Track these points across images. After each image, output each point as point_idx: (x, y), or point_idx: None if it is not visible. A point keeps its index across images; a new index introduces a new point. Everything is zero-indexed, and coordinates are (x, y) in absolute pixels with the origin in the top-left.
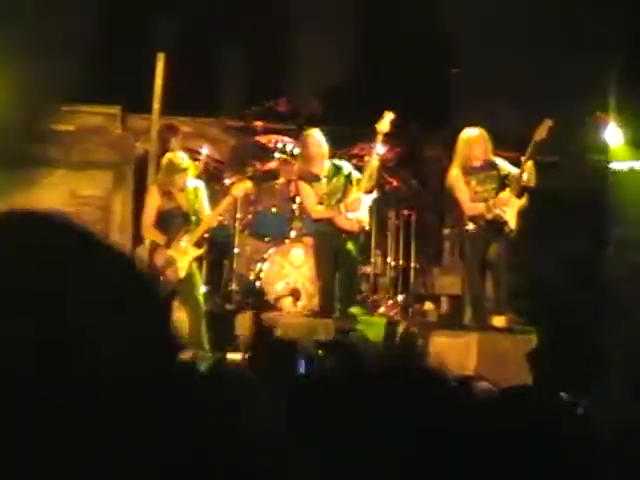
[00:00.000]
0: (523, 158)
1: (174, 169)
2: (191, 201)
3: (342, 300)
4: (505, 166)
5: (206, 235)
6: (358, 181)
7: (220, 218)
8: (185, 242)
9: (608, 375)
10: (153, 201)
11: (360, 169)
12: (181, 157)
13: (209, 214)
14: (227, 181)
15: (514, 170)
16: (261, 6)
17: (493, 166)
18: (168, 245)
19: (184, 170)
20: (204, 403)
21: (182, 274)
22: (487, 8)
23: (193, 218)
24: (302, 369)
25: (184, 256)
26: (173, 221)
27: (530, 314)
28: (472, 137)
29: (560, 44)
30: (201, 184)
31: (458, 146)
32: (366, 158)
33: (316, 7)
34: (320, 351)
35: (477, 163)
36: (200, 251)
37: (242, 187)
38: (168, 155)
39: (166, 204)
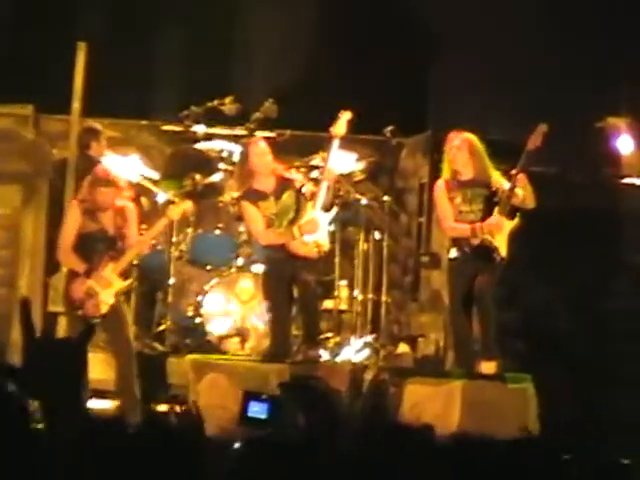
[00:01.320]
0: (514, 170)
1: (99, 184)
2: (118, 223)
3: (299, 341)
4: (499, 181)
5: (135, 262)
6: (313, 196)
7: (152, 242)
8: (109, 271)
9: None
10: (73, 220)
11: (317, 182)
12: (107, 169)
13: (139, 239)
14: (161, 197)
15: (505, 185)
16: None
17: (485, 183)
18: (89, 274)
19: (111, 186)
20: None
21: (105, 309)
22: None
23: (119, 243)
24: (264, 415)
25: (108, 288)
26: (95, 246)
27: (524, 358)
28: (456, 144)
29: (562, 36)
30: (129, 203)
31: (445, 153)
32: (325, 169)
33: None
34: (282, 393)
35: (465, 177)
36: (126, 283)
37: (181, 208)
38: (97, 167)
39: (88, 225)
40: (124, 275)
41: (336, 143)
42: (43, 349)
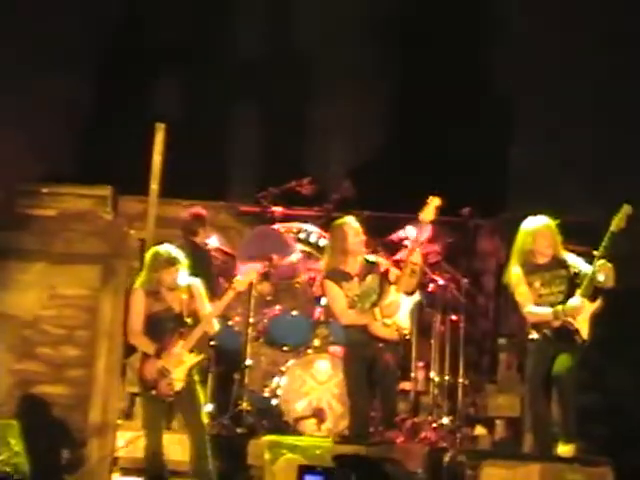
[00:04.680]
0: (597, 253)
1: (159, 265)
2: (185, 301)
3: (377, 423)
4: (576, 263)
5: (212, 342)
6: (397, 280)
7: (230, 323)
8: (179, 349)
9: None
10: (137, 303)
11: (398, 265)
12: (168, 250)
13: (206, 313)
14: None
15: (586, 268)
16: (281, 69)
17: (561, 264)
18: (160, 354)
19: (172, 266)
20: None
21: (178, 386)
22: (553, 77)
23: (188, 321)
24: None
25: (179, 366)
26: (164, 325)
27: (605, 442)
28: (537, 228)
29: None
30: (196, 281)
31: (519, 238)
32: (406, 252)
33: (349, 69)
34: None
35: (542, 260)
36: (198, 358)
37: (246, 280)
38: (153, 248)
39: (153, 306)
40: (196, 352)
41: (423, 228)
42: None
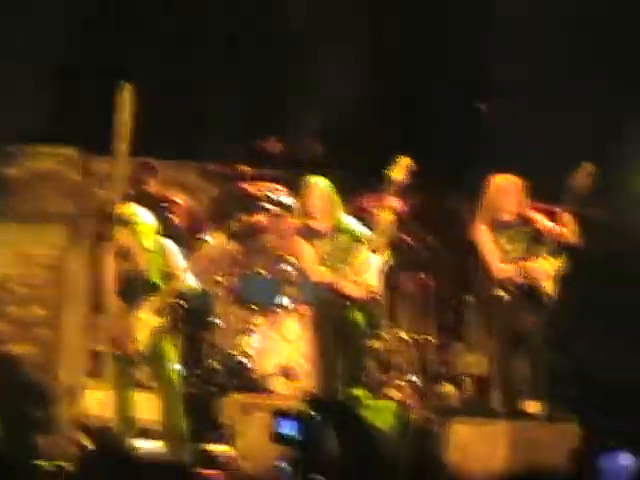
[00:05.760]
0: (559, 211)
1: (125, 224)
2: (155, 263)
3: (346, 381)
4: (541, 221)
5: (181, 302)
6: (367, 239)
7: (198, 282)
8: (145, 310)
9: None
10: (107, 262)
11: (368, 224)
12: (134, 209)
13: (174, 276)
14: (205, 236)
15: (550, 225)
16: (249, 26)
17: (527, 221)
18: (126, 314)
19: (129, 225)
20: None
21: (144, 346)
22: (523, 37)
23: (157, 282)
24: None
25: (144, 327)
26: (132, 285)
27: (572, 402)
28: (504, 186)
29: (614, 73)
30: (169, 242)
31: (486, 196)
32: (377, 211)
33: (318, 26)
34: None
35: (508, 217)
36: (162, 320)
37: (217, 243)
38: (120, 207)
39: (123, 266)
40: (163, 313)
41: (393, 188)
42: None
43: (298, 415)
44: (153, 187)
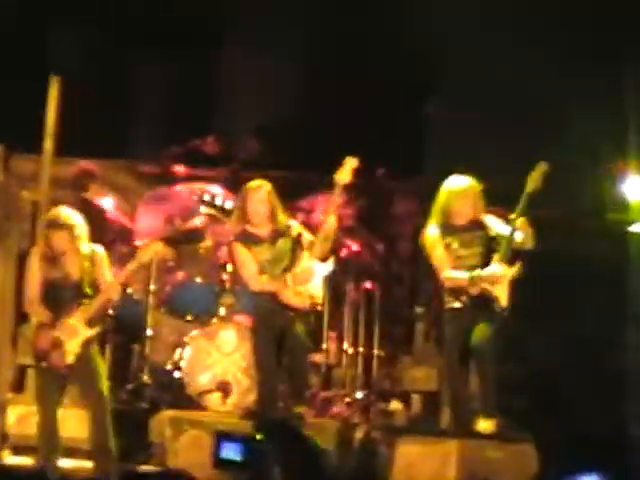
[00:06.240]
0: (513, 215)
1: (56, 228)
2: (85, 269)
3: (287, 397)
4: (494, 225)
5: (110, 312)
6: (310, 245)
7: (129, 290)
8: (76, 320)
9: None
10: (34, 268)
11: (311, 229)
12: (59, 212)
13: (106, 284)
14: (138, 242)
15: (504, 230)
16: (184, 18)
17: (480, 226)
18: (53, 324)
19: (69, 229)
20: None
21: (71, 359)
22: (471, 32)
23: (88, 291)
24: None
25: (74, 337)
26: (60, 294)
27: (526, 416)
28: (458, 188)
29: (567, 71)
30: (99, 248)
31: (438, 198)
32: (321, 215)
33: (255, 19)
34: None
35: (461, 221)
36: (95, 330)
37: (151, 250)
38: (51, 211)
39: (50, 273)
40: (94, 324)
41: (338, 190)
42: None
43: (242, 438)
44: (93, 191)
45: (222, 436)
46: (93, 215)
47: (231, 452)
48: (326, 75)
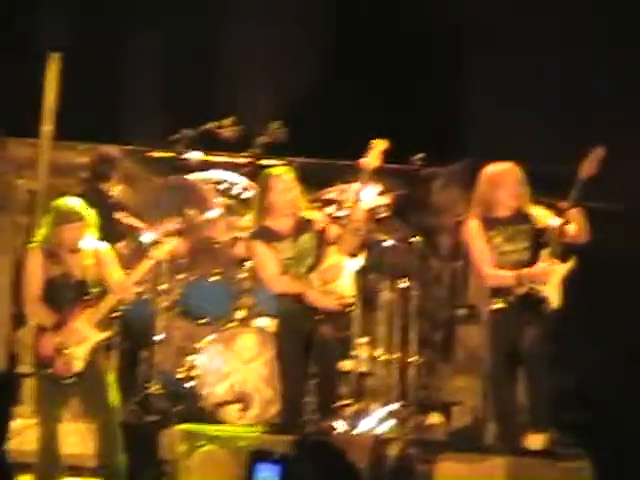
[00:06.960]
0: (566, 204)
1: (61, 221)
2: (89, 267)
3: (314, 409)
4: (543, 217)
5: (116, 314)
6: (338, 239)
7: (137, 290)
8: (82, 323)
9: None
10: (34, 265)
11: (339, 222)
12: (72, 203)
13: (117, 284)
14: (147, 238)
15: (555, 222)
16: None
17: (526, 218)
18: (58, 328)
19: (75, 222)
20: None
21: (78, 367)
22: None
23: (94, 290)
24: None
25: (81, 343)
26: (61, 294)
27: (581, 431)
28: (500, 176)
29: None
30: (105, 245)
31: (479, 187)
32: (348, 206)
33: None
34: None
35: (504, 212)
36: (103, 336)
37: (166, 247)
38: (55, 201)
39: (51, 270)
40: (102, 327)
41: (367, 177)
42: None
43: (280, 458)
44: (113, 182)
45: (257, 457)
46: (105, 209)
47: (267, 474)
48: (355, 51)
